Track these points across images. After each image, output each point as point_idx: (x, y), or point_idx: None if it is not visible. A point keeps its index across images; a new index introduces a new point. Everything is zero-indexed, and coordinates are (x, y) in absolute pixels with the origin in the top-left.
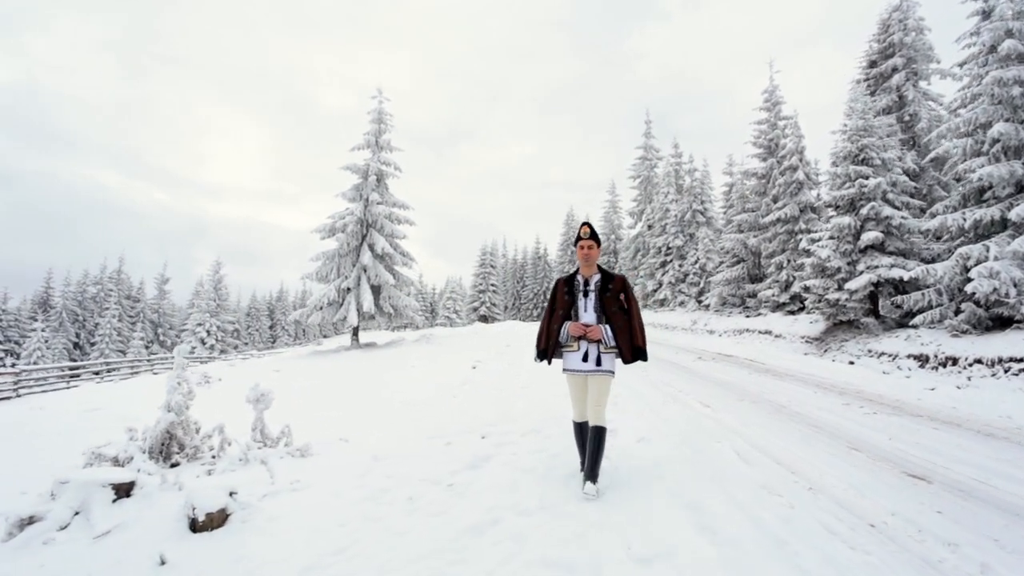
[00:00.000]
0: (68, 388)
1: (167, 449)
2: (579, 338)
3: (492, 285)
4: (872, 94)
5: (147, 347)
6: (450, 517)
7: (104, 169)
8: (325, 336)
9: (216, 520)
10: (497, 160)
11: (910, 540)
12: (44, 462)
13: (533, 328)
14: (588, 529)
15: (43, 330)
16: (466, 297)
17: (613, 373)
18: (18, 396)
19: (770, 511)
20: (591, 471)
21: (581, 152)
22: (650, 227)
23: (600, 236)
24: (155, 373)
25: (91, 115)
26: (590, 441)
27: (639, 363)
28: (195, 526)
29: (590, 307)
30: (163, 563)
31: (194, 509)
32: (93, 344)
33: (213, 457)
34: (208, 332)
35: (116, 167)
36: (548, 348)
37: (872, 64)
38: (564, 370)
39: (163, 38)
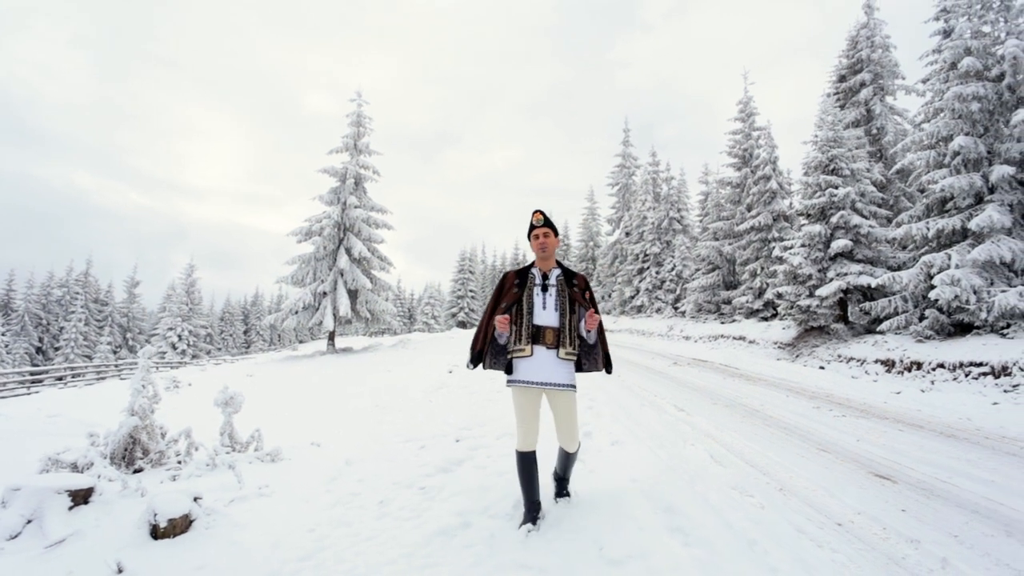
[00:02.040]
0: (29, 394)
1: (130, 454)
2: (534, 339)
3: (471, 291)
4: (842, 108)
5: (115, 352)
6: (421, 520)
7: (79, 169)
8: (301, 341)
9: (179, 526)
10: (483, 165)
11: (875, 538)
12: None
13: None
14: (561, 532)
15: (3, 334)
16: (444, 303)
17: (574, 387)
18: None
19: (741, 512)
20: (562, 476)
21: (566, 159)
22: (628, 234)
23: (579, 243)
24: (123, 378)
25: (68, 114)
26: (563, 462)
27: (616, 368)
28: (156, 533)
29: (551, 304)
30: (120, 571)
31: (155, 515)
32: (57, 349)
33: (179, 462)
34: (179, 337)
35: (92, 167)
36: (484, 349)
37: (842, 79)
38: (510, 382)
39: (146, 38)
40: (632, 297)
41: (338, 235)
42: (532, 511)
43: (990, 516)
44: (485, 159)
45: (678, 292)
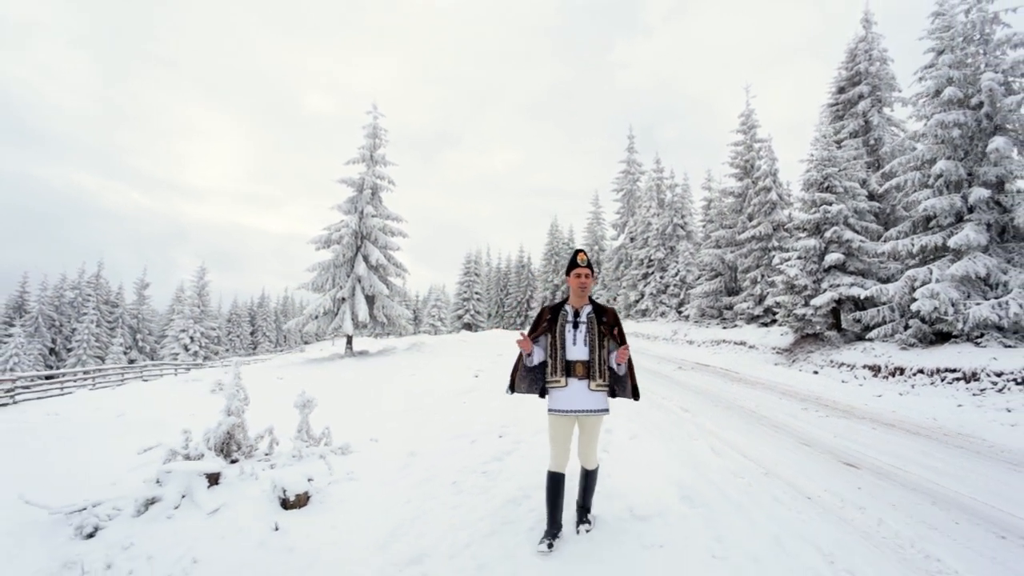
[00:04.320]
0: (62, 394)
1: (227, 447)
2: (567, 371)
3: (476, 293)
4: (841, 118)
5: (126, 353)
6: (491, 495)
7: (80, 169)
8: (306, 343)
9: (301, 500)
10: (483, 166)
11: (834, 506)
12: (105, 460)
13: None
14: (601, 500)
15: (19, 335)
16: (450, 305)
17: (607, 411)
18: (14, 403)
19: (734, 488)
20: (583, 505)
21: (566, 160)
22: (632, 239)
23: (584, 247)
24: (145, 380)
25: (68, 114)
26: (584, 481)
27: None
28: (286, 504)
29: (580, 339)
30: (277, 528)
31: (285, 491)
32: (70, 350)
33: (266, 455)
34: (192, 338)
35: (92, 167)
36: (514, 379)
37: (841, 90)
38: (550, 411)
39: (146, 38)
40: (637, 301)
41: (356, 243)
42: (553, 530)
43: (925, 492)
44: (485, 159)
45: (682, 297)
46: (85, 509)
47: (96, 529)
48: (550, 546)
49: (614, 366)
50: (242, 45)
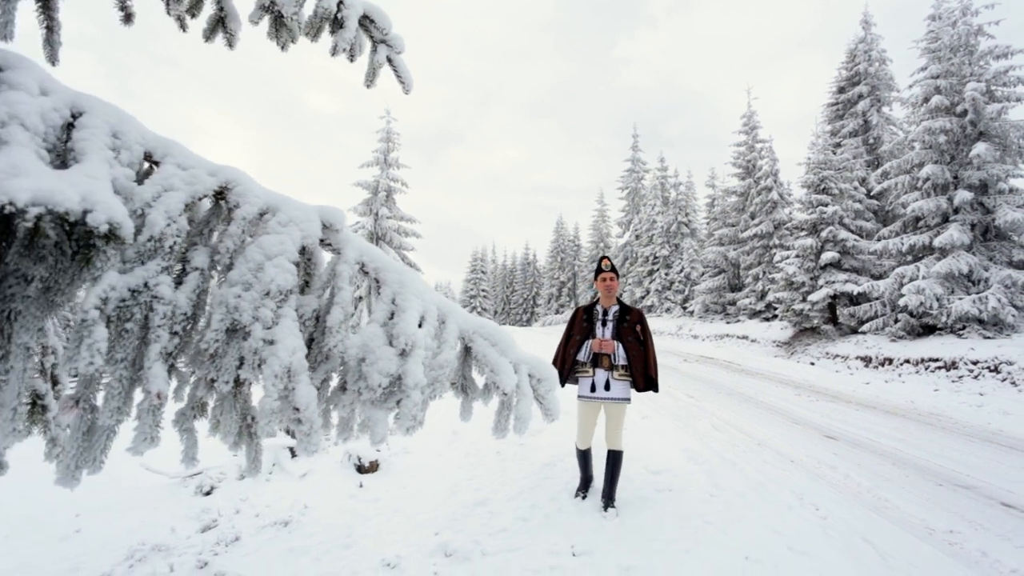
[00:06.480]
0: None
1: (291, 431)
2: (594, 363)
3: (483, 290)
4: (841, 117)
5: None
6: (530, 460)
7: None
8: None
9: (374, 466)
10: (485, 164)
11: (812, 466)
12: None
13: (530, 334)
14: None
15: None
16: (456, 302)
17: (629, 400)
18: None
19: (731, 453)
20: (609, 493)
21: (569, 157)
22: (637, 237)
23: (589, 244)
24: None
25: None
26: (608, 464)
27: None
28: (361, 470)
29: (607, 335)
30: (361, 486)
31: (360, 458)
32: None
33: (325, 437)
34: None
35: None
36: (564, 371)
37: (841, 90)
38: (578, 396)
39: (146, 37)
40: (642, 298)
41: (372, 244)
42: (585, 484)
43: (887, 455)
44: (487, 157)
45: (686, 293)
46: (201, 473)
47: (212, 488)
48: (584, 496)
49: (621, 360)
50: (242, 44)
